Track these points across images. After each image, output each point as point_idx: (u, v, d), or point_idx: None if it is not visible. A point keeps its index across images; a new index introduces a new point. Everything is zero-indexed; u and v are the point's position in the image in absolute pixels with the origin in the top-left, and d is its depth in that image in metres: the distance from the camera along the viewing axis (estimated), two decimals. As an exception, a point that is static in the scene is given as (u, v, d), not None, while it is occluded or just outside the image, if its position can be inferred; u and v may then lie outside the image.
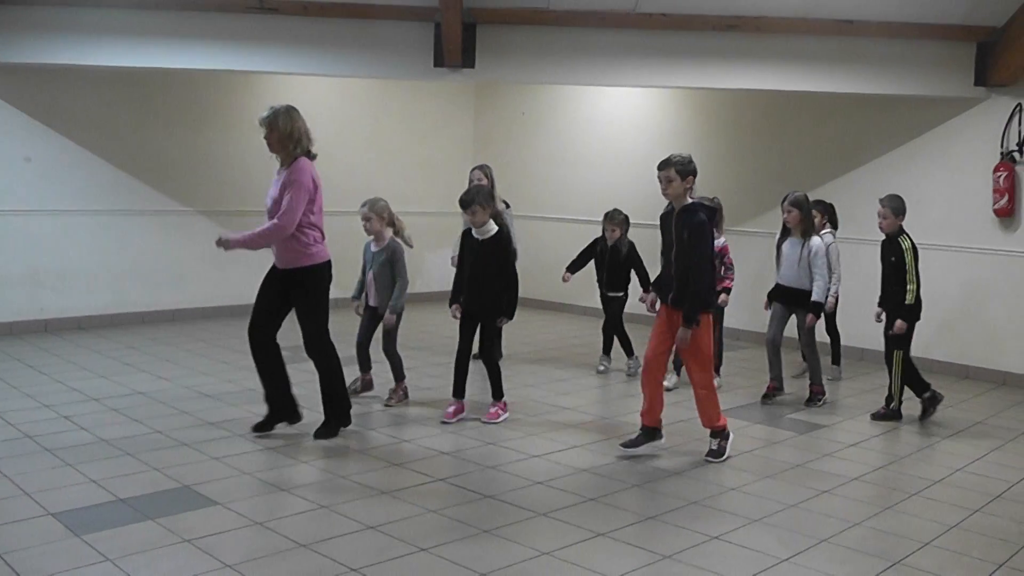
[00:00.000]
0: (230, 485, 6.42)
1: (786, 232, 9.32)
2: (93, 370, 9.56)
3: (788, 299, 9.33)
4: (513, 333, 11.38)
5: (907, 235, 8.62)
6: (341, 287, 8.37)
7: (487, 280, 8.17)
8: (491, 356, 8.44)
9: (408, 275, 8.79)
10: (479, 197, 8.12)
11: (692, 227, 7.05)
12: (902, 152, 11.45)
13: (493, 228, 8.18)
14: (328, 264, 7.50)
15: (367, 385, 9.05)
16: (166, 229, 12.48)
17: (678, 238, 7.14)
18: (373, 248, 8.83)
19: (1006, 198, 10.45)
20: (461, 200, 8.13)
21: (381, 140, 14.81)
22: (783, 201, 9.22)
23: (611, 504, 6.26)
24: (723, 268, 9.55)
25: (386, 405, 8.71)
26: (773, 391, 9.34)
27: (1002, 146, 10.58)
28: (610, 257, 10.33)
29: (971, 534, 5.95)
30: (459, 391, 8.31)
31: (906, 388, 8.79)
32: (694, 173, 7.18)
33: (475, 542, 5.57)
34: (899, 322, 8.51)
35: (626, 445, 7.37)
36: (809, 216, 9.21)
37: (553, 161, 14.72)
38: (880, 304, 8.93)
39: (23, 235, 11.19)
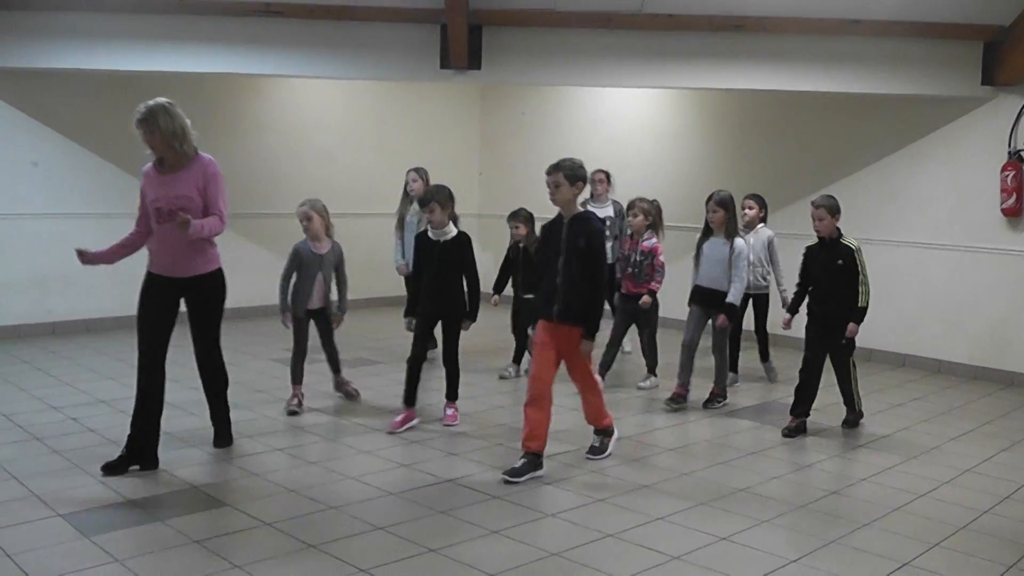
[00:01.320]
0: (239, 486, 6.45)
1: (708, 232, 9.03)
2: (101, 372, 9.58)
3: (707, 301, 8.98)
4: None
5: (847, 235, 8.30)
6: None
7: (451, 284, 7.96)
8: (454, 359, 8.12)
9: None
10: (439, 196, 7.85)
11: (591, 235, 6.76)
12: (909, 152, 11.42)
13: (453, 230, 7.94)
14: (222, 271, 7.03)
15: (301, 400, 8.55)
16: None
17: (571, 247, 6.74)
18: (316, 250, 8.49)
19: (1014, 198, 10.42)
20: (419, 198, 7.93)
21: (386, 142, 14.81)
22: (708, 200, 8.96)
23: (618, 505, 6.26)
24: (652, 270, 9.38)
25: (349, 397, 8.91)
26: (679, 397, 8.94)
27: (1009, 145, 10.55)
28: (523, 257, 9.92)
29: (980, 535, 5.94)
30: (411, 399, 8.00)
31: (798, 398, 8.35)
32: (584, 180, 6.96)
33: (483, 543, 5.57)
34: (852, 325, 8.11)
35: (510, 474, 6.66)
36: (734, 217, 8.97)
37: (558, 162, 14.71)
38: (814, 311, 8.33)
39: (31, 239, 11.21)
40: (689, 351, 8.96)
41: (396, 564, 5.21)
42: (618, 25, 10.48)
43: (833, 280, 8.15)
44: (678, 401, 8.91)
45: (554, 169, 6.89)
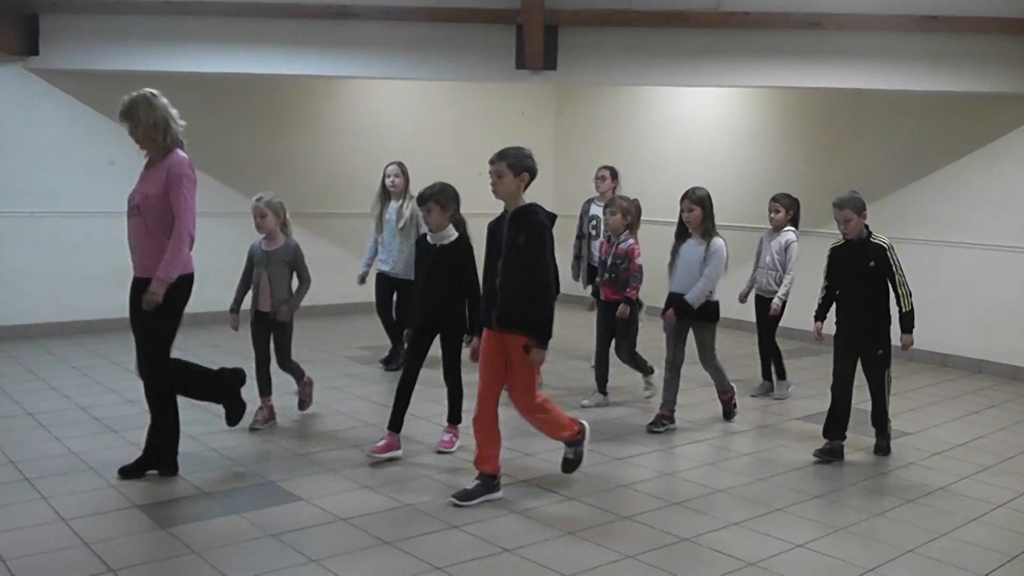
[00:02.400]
0: (315, 481, 6.51)
1: (684, 233, 8.27)
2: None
3: (683, 310, 8.15)
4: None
5: (876, 233, 7.54)
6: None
7: (445, 293, 7.06)
8: (455, 377, 7.34)
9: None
10: (440, 195, 7.03)
11: (530, 230, 6.04)
12: (986, 152, 11.21)
13: (452, 233, 7.08)
14: (192, 278, 6.49)
15: (270, 414, 7.91)
16: (246, 231, 12.55)
17: (510, 244, 6.07)
18: (266, 247, 7.93)
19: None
20: (419, 196, 7.15)
21: (462, 143, 14.83)
22: (683, 198, 8.20)
23: (693, 509, 6.23)
24: (628, 274, 8.66)
25: (301, 409, 8.23)
26: (663, 419, 8.19)
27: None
28: None
29: (1061, 547, 5.84)
30: (395, 423, 7.14)
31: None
32: (530, 171, 6.12)
33: (559, 543, 5.58)
34: (906, 336, 7.45)
35: (460, 497, 6.19)
36: (711, 216, 8.14)
37: (633, 162, 14.61)
38: (843, 318, 7.60)
39: (107, 236, 11.30)
40: (674, 368, 8.22)
41: (471, 563, 5.24)
42: (694, 24, 10.45)
43: (866, 284, 7.44)
44: (661, 424, 8.13)
45: (497, 158, 6.14)
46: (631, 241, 8.72)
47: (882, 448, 7.67)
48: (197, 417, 7.76)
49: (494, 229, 6.28)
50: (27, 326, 10.65)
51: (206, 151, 12.21)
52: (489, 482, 6.28)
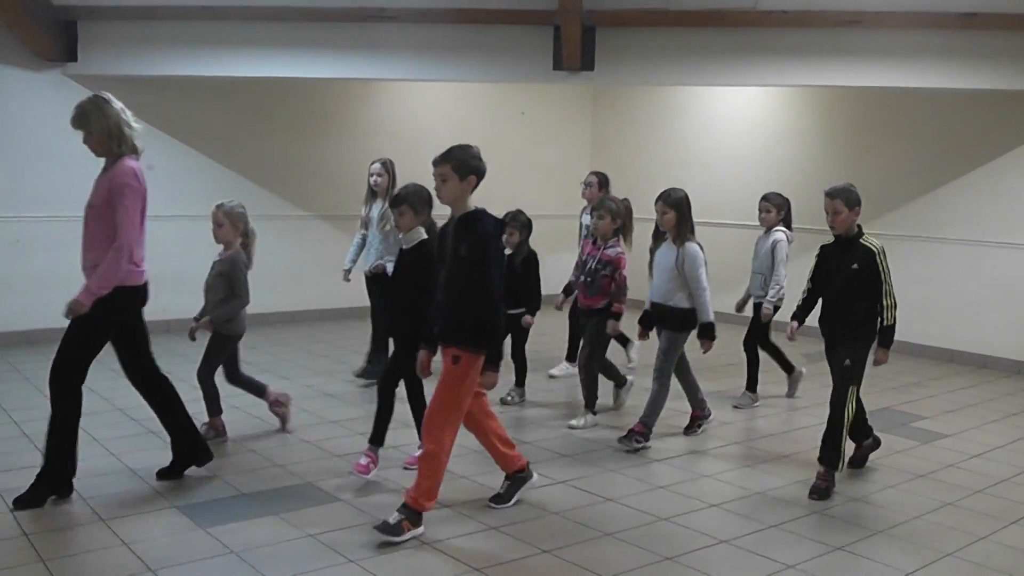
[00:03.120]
0: (352, 482, 6.53)
1: (659, 236, 7.79)
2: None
3: (656, 319, 7.76)
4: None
5: (868, 235, 6.80)
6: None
7: (406, 299, 6.62)
8: (417, 392, 6.85)
9: (248, 295, 7.61)
10: (413, 198, 6.62)
11: (474, 241, 5.55)
12: (1024, 151, 11.16)
13: (419, 235, 6.67)
14: (138, 291, 6.23)
15: (219, 430, 7.56)
16: (284, 233, 12.65)
17: (452, 254, 5.59)
18: (217, 258, 7.58)
19: None
20: (393, 197, 6.77)
21: (498, 144, 14.80)
22: (658, 200, 7.67)
23: (733, 511, 6.22)
24: (608, 284, 8.01)
25: (216, 434, 7.54)
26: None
27: None
28: (506, 267, 8.16)
29: (1103, 550, 5.78)
30: (379, 437, 6.76)
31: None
32: (477, 173, 5.71)
33: (595, 545, 5.58)
34: (883, 352, 6.75)
35: (496, 500, 6.12)
36: (686, 219, 7.58)
37: (672, 163, 14.62)
38: (823, 322, 6.88)
39: (147, 239, 11.41)
40: (682, 376, 7.96)
41: (508, 565, 5.24)
42: (732, 23, 10.41)
43: (844, 288, 6.69)
44: (636, 440, 7.53)
45: (441, 160, 5.70)
46: (619, 249, 8.11)
47: (819, 491, 6.54)
48: (234, 418, 7.81)
49: (442, 235, 5.86)
50: (63, 329, 10.74)
51: (242, 155, 12.33)
52: (520, 477, 6.21)
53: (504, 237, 8.17)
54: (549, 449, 7.49)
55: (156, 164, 11.64)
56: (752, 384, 9.16)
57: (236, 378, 7.72)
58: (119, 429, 7.61)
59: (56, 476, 5.99)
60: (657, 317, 7.73)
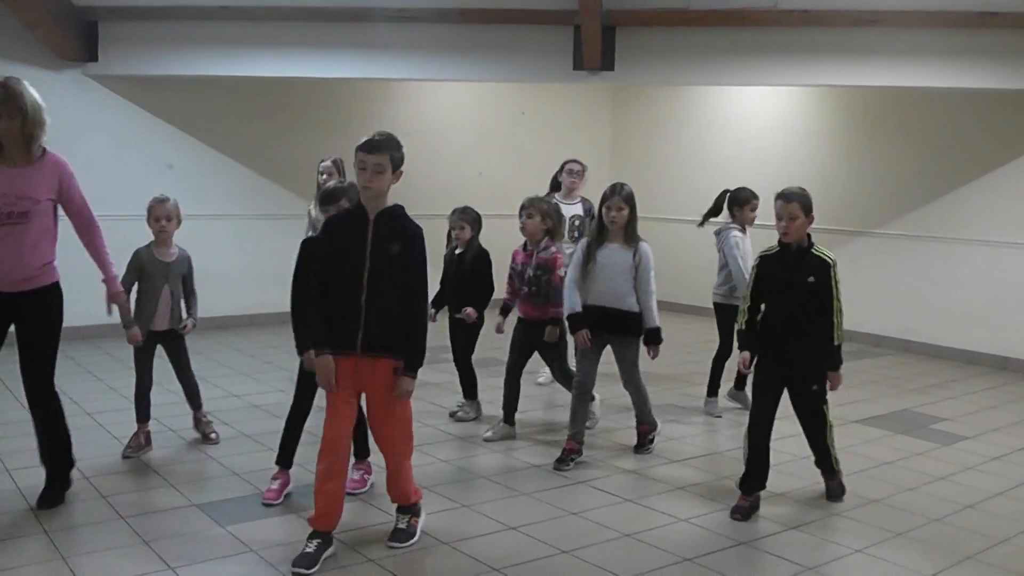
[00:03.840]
0: (376, 483, 6.47)
1: (601, 236, 7.12)
2: (234, 368, 9.76)
3: (604, 325, 7.09)
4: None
5: (819, 245, 6.29)
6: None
7: None
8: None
9: None
10: (352, 193, 5.85)
11: (409, 238, 5.23)
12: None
13: None
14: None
15: (146, 441, 7.16)
16: (300, 233, 12.68)
17: (378, 253, 5.14)
18: (162, 258, 7.07)
19: None
20: (330, 192, 6.10)
21: (517, 144, 14.85)
22: (610, 195, 7.00)
23: (764, 516, 6.19)
24: (549, 287, 7.61)
25: (206, 439, 7.37)
26: (571, 453, 7.12)
27: None
28: (456, 266, 8.23)
29: (1124, 555, 5.75)
30: (287, 460, 6.34)
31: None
32: (401, 169, 5.28)
33: (617, 545, 5.57)
34: (835, 375, 6.22)
35: (303, 565, 5.09)
36: (636, 217, 7.07)
37: (691, 163, 14.60)
38: (767, 344, 6.25)
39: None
40: (585, 391, 7.26)
41: (528, 565, 5.24)
42: (752, 22, 10.39)
43: (800, 304, 6.12)
44: (570, 459, 7.08)
45: (379, 148, 5.16)
46: (553, 249, 7.70)
47: (836, 493, 6.50)
48: (253, 416, 7.83)
49: (340, 228, 5.30)
50: (84, 327, 10.75)
51: (261, 154, 12.38)
52: (328, 539, 5.30)
53: (453, 233, 8.20)
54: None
55: (175, 163, 11.80)
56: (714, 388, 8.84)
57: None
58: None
59: (68, 470, 6.05)
60: (603, 322, 7.08)
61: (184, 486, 6.35)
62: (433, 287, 6.86)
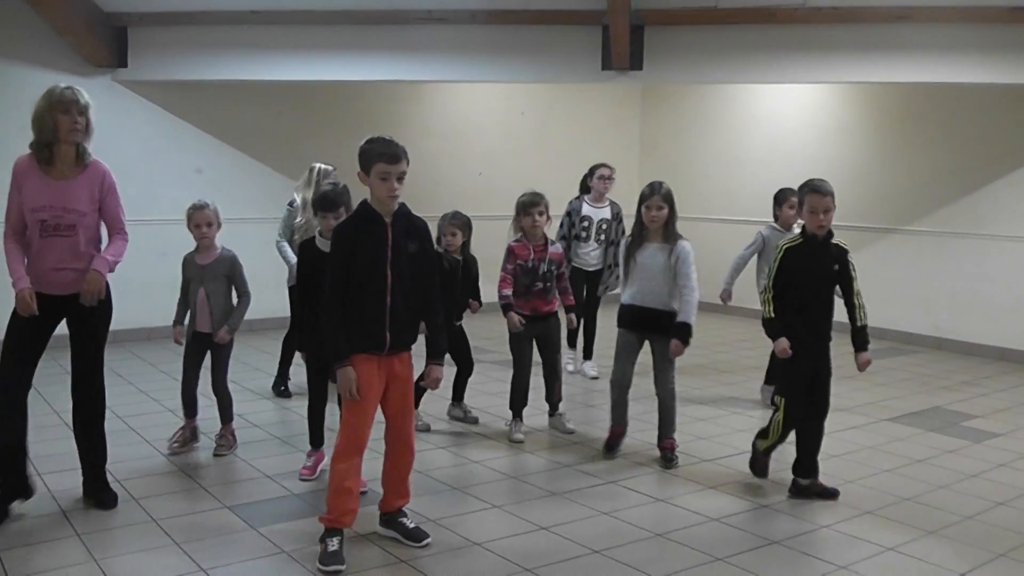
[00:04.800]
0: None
1: (640, 235, 7.14)
2: (265, 371, 9.76)
3: (644, 324, 7.13)
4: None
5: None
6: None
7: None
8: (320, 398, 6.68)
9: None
10: (347, 198, 6.37)
11: (425, 236, 5.49)
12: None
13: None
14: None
15: (192, 435, 7.35)
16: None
17: (400, 253, 5.30)
18: (201, 261, 7.25)
19: None
20: (331, 198, 6.38)
21: (547, 144, 14.86)
22: (651, 194, 7.00)
23: (784, 512, 6.19)
24: (558, 282, 7.87)
25: (217, 455, 7.15)
26: (619, 437, 7.39)
27: None
28: (462, 272, 8.05)
29: None
30: (318, 439, 6.78)
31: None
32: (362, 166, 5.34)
33: (646, 547, 5.56)
34: (865, 356, 6.32)
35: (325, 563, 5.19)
36: (675, 216, 7.08)
37: (720, 162, 14.58)
38: (805, 334, 6.29)
39: (194, 243, 11.51)
40: (623, 387, 7.30)
41: (560, 565, 5.23)
42: (781, 20, 10.35)
43: (827, 292, 6.35)
44: (619, 443, 7.39)
45: (401, 157, 5.34)
46: (558, 244, 8.03)
47: (831, 492, 6.48)
48: (282, 418, 7.86)
49: (357, 233, 5.29)
50: (116, 331, 10.77)
51: (292, 157, 12.38)
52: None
53: (444, 239, 8.00)
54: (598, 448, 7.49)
55: (205, 167, 11.86)
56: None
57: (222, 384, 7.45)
58: (168, 430, 7.59)
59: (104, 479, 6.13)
60: (643, 322, 7.13)
61: (215, 488, 6.38)
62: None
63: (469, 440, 7.70)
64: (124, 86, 11.19)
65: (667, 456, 7.15)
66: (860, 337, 6.30)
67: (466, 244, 8.07)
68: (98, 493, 6.02)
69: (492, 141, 14.40)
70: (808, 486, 6.46)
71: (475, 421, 8.23)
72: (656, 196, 6.94)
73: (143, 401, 8.64)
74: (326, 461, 6.22)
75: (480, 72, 11.42)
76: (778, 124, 14.05)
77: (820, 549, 5.57)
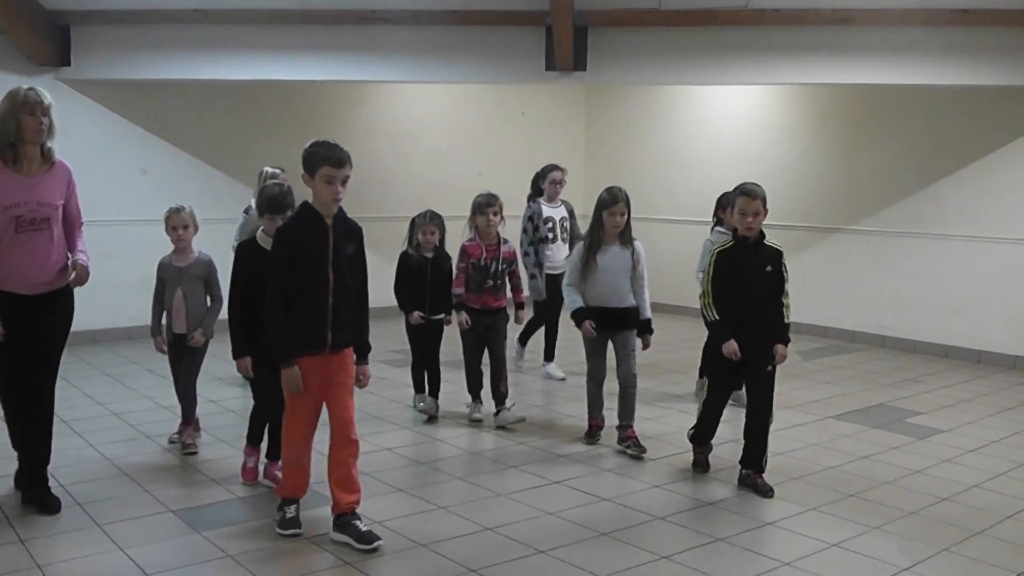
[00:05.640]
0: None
1: (599, 238, 7.33)
2: (209, 372, 9.64)
3: (608, 323, 7.32)
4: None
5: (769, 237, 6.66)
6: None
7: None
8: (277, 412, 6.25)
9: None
10: (291, 199, 6.35)
11: (359, 238, 5.62)
12: (1020, 145, 11.05)
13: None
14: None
15: (196, 425, 7.47)
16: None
17: (339, 255, 5.46)
18: (178, 263, 7.21)
19: None
20: (281, 202, 6.31)
21: (492, 145, 14.86)
22: (616, 201, 7.22)
23: (728, 510, 6.23)
24: (508, 279, 8.30)
25: (188, 453, 7.16)
26: (598, 429, 7.69)
27: None
28: (431, 270, 8.30)
29: (1098, 544, 5.78)
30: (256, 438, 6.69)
31: None
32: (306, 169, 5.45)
33: (593, 545, 5.58)
34: (783, 348, 6.51)
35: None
36: (630, 218, 7.39)
37: (665, 162, 14.63)
38: (737, 335, 6.49)
39: (139, 244, 11.29)
40: (599, 382, 7.63)
41: (505, 565, 5.24)
42: (723, 22, 10.41)
43: (759, 293, 6.51)
44: (597, 434, 7.70)
45: (346, 161, 5.47)
46: (509, 243, 8.34)
47: (765, 490, 6.52)
48: (227, 421, 7.81)
49: (299, 234, 5.41)
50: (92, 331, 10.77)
51: (236, 158, 12.34)
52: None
53: (422, 238, 8.24)
54: (541, 449, 7.50)
55: (150, 168, 11.77)
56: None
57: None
58: (114, 434, 7.61)
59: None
60: (608, 321, 7.33)
61: (160, 492, 6.32)
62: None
63: (421, 437, 7.72)
64: (67, 85, 11.08)
65: (635, 445, 7.34)
66: (782, 333, 6.53)
67: (441, 242, 8.33)
68: (42, 497, 5.95)
69: (437, 141, 14.38)
70: (744, 477, 6.67)
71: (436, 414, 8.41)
72: (620, 203, 7.21)
73: (88, 405, 8.56)
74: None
75: (424, 72, 11.39)
76: (722, 125, 14.12)
77: (765, 546, 5.62)
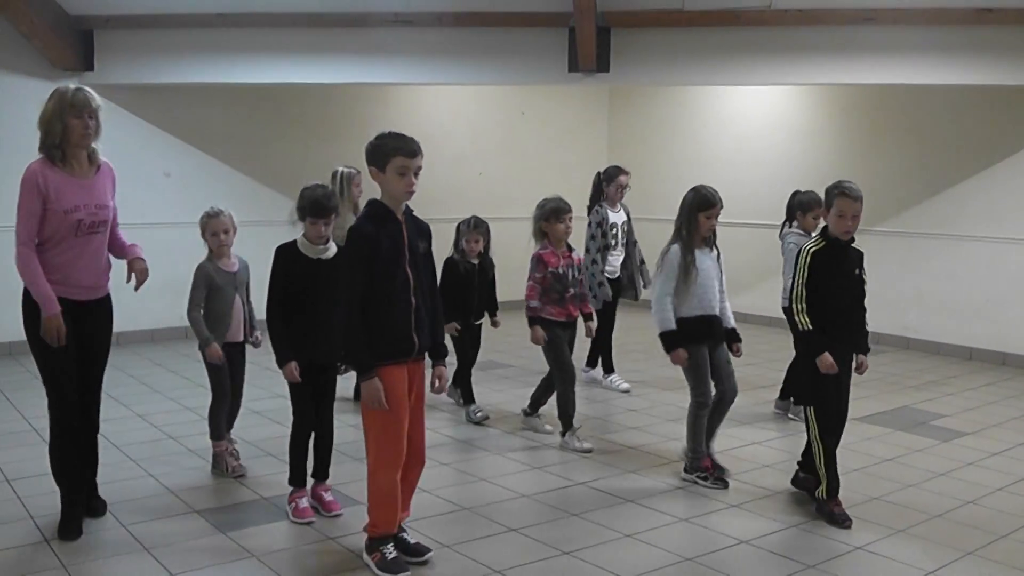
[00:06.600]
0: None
1: (690, 242, 6.71)
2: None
3: (708, 332, 6.74)
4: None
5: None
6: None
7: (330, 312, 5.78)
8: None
9: None
10: (336, 202, 6.26)
11: (427, 234, 5.32)
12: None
13: (333, 246, 6.17)
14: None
15: (235, 454, 6.96)
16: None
17: (414, 253, 5.17)
18: (228, 268, 6.85)
19: None
20: (324, 205, 6.08)
21: (515, 147, 14.86)
22: (715, 203, 6.75)
23: (752, 512, 6.21)
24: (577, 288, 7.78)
25: (238, 476, 6.77)
26: (707, 469, 6.80)
27: None
28: (479, 277, 8.34)
29: None
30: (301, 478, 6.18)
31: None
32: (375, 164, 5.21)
33: (617, 545, 5.57)
34: (864, 359, 6.36)
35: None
36: None
37: (689, 163, 14.59)
38: (840, 338, 6.16)
39: (163, 246, 11.34)
40: (709, 408, 6.82)
41: (530, 566, 5.24)
42: (747, 22, 10.40)
43: (851, 297, 6.23)
44: (708, 476, 6.76)
45: (419, 151, 5.32)
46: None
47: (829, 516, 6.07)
48: (253, 422, 7.83)
49: (375, 233, 5.02)
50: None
51: (259, 161, 12.38)
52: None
53: (466, 246, 8.25)
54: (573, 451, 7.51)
55: (173, 171, 11.82)
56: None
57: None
58: (139, 435, 7.64)
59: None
60: (714, 330, 6.76)
61: (185, 493, 6.35)
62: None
63: (476, 456, 7.55)
64: (91, 90, 11.11)
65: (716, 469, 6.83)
66: (864, 341, 6.30)
67: (486, 249, 8.34)
68: (89, 500, 5.86)
69: (460, 144, 14.38)
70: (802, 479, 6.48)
71: (485, 418, 8.35)
72: (719, 205, 6.71)
73: (112, 407, 8.52)
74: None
75: (447, 75, 11.41)
76: (746, 125, 14.10)
77: (789, 549, 5.59)
